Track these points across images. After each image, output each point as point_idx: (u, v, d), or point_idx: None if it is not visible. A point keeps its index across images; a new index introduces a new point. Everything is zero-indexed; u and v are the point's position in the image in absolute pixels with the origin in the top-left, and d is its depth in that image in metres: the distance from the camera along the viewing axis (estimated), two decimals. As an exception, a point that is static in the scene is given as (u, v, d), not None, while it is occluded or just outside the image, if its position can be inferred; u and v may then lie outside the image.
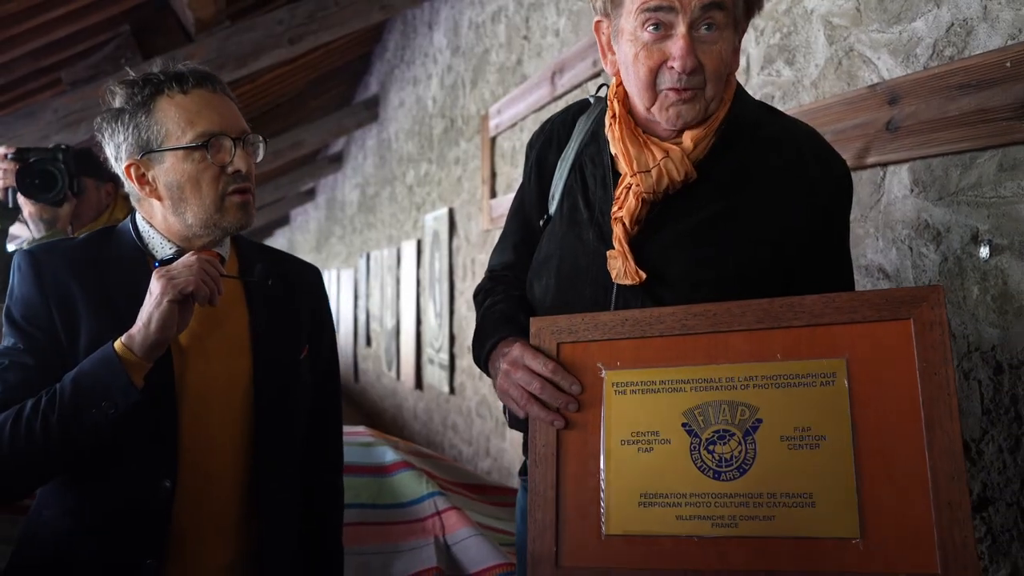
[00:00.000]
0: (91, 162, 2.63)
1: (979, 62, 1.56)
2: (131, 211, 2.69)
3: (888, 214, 1.84)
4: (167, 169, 1.41)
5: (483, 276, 1.60)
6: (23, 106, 5.19)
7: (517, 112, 4.29)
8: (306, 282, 1.66)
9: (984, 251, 1.60)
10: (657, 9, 1.23)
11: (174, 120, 1.39)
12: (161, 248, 1.46)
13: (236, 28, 5.15)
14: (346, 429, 2.36)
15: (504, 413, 1.54)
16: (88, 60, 5.09)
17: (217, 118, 1.41)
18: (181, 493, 1.38)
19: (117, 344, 1.28)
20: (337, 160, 12.48)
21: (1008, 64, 1.50)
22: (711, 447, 1.17)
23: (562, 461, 1.24)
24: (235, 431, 1.45)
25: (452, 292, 5.64)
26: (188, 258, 1.32)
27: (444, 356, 5.77)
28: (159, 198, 1.43)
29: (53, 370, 1.33)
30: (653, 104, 1.29)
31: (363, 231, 10.39)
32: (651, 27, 1.25)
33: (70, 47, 4.99)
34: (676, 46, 1.23)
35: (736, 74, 2.40)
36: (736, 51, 1.34)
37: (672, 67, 1.24)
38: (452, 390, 5.61)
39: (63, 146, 2.57)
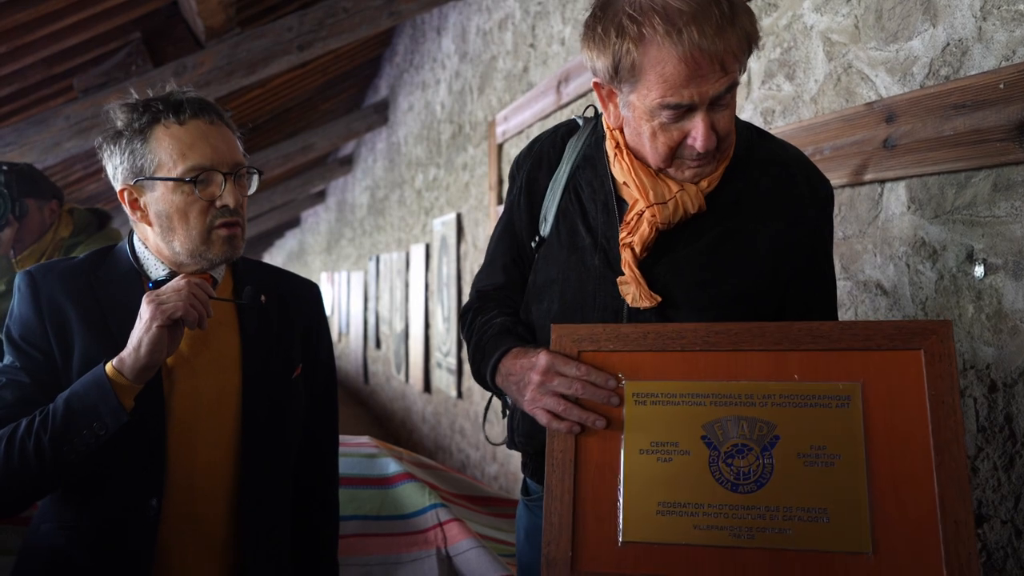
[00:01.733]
0: (32, 181, 2.59)
1: (974, 83, 1.58)
2: (75, 228, 2.69)
3: (886, 230, 1.86)
4: (157, 198, 1.43)
5: (470, 297, 1.59)
6: (35, 113, 5.24)
7: (523, 120, 4.31)
8: (302, 300, 1.66)
9: (979, 270, 1.61)
10: (678, 107, 1.23)
11: (167, 151, 1.41)
12: (155, 269, 1.48)
13: (246, 35, 5.19)
14: (350, 439, 2.38)
15: (507, 433, 1.56)
16: (100, 67, 5.14)
17: (210, 152, 1.42)
18: (168, 511, 1.41)
19: (108, 367, 1.31)
20: (347, 163, 12.52)
21: (1002, 86, 1.51)
22: (729, 460, 1.21)
23: (580, 467, 1.26)
24: (224, 450, 1.47)
25: (460, 297, 5.66)
26: (178, 282, 1.34)
27: (452, 360, 5.79)
28: (149, 224, 1.46)
29: (49, 388, 1.36)
30: (669, 167, 1.31)
31: (373, 234, 10.43)
32: (670, 110, 1.24)
33: (82, 54, 5.04)
34: (697, 130, 1.24)
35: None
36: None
37: (693, 147, 1.26)
38: (460, 394, 5.64)
39: (4, 166, 2.55)
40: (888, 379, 1.19)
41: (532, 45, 4.34)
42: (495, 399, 1.59)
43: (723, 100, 1.25)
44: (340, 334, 13.18)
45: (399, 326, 8.07)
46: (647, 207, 1.31)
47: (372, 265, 10.09)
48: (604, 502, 1.24)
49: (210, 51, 5.14)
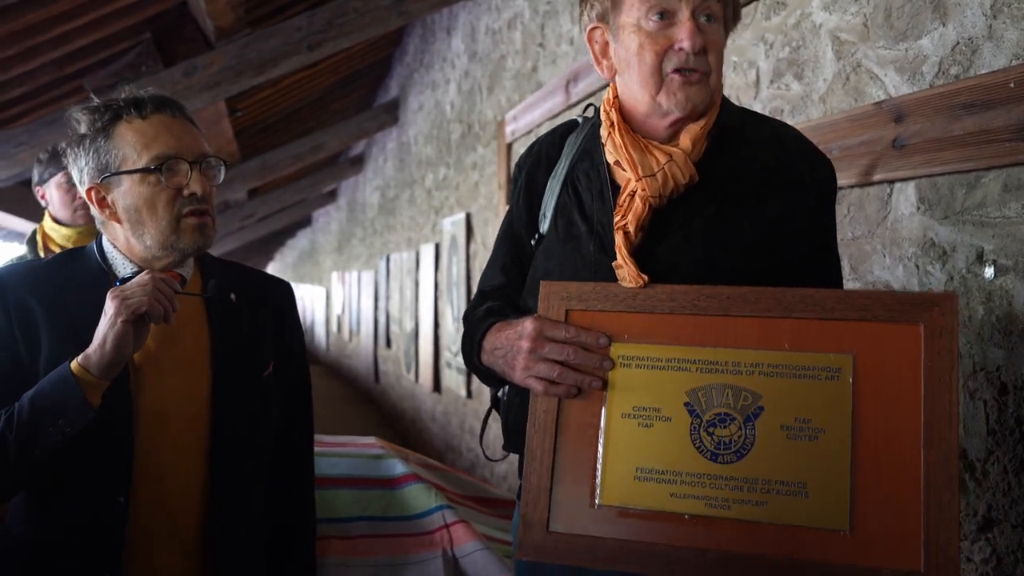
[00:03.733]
0: None
1: (983, 82, 1.56)
2: None
3: (895, 231, 1.84)
4: (124, 192, 1.43)
5: (473, 299, 1.59)
6: (46, 113, 5.27)
7: (533, 119, 4.31)
8: (273, 298, 1.66)
9: (989, 271, 1.59)
10: None
11: (131, 144, 1.42)
12: (123, 269, 1.48)
13: (255, 35, 5.20)
14: (357, 440, 2.39)
15: (503, 435, 1.55)
16: (110, 68, 5.17)
17: (173, 142, 1.43)
18: (136, 509, 1.40)
19: (74, 364, 1.31)
20: (358, 162, 12.55)
21: (1012, 85, 1.49)
22: (711, 429, 1.19)
23: (561, 428, 1.25)
24: (192, 448, 1.46)
25: (469, 297, 5.66)
26: (142, 277, 1.34)
27: (462, 360, 5.78)
28: (119, 221, 1.46)
29: (16, 390, 1.35)
30: (659, 92, 1.31)
31: (383, 233, 10.45)
32: (655, 16, 1.29)
33: (93, 55, 5.06)
34: (683, 29, 1.27)
35: (745, 87, 2.40)
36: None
37: (681, 48, 1.28)
38: (469, 394, 5.64)
39: None
40: (883, 352, 1.15)
41: (541, 45, 4.33)
42: (492, 416, 1.58)
43: (709, 7, 1.29)
44: (351, 333, 13.21)
45: (409, 325, 8.07)
46: (637, 181, 1.31)
47: (383, 264, 10.10)
48: (583, 465, 1.23)
49: (220, 51, 5.15)
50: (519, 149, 4.65)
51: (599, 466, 1.22)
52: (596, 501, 1.21)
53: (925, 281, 1.75)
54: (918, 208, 1.77)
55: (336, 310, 15.16)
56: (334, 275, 15.54)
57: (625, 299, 1.25)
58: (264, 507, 1.60)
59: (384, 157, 10.51)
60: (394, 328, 9.32)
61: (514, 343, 1.29)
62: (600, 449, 1.22)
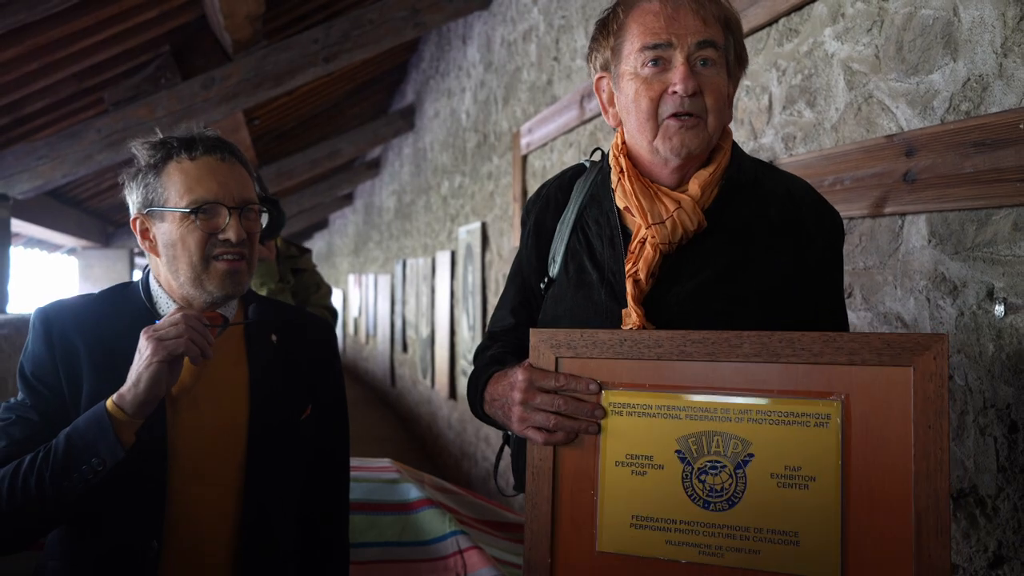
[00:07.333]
0: None
1: (993, 121, 1.56)
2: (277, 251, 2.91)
3: (906, 263, 1.84)
4: (164, 229, 1.46)
5: (484, 337, 1.61)
6: (67, 126, 5.33)
7: (547, 132, 4.32)
8: (314, 339, 1.67)
9: (999, 309, 1.59)
10: (655, 47, 1.31)
11: (176, 185, 1.45)
12: (166, 306, 1.50)
13: (272, 48, 5.25)
14: (371, 463, 2.41)
15: (514, 473, 1.57)
16: (129, 81, 5.22)
17: (216, 187, 1.45)
18: (169, 553, 1.41)
19: (109, 402, 1.33)
20: (374, 166, 12.60)
21: (1022, 126, 1.50)
22: (703, 477, 1.20)
23: (558, 475, 1.27)
24: (227, 492, 1.47)
25: (485, 306, 5.68)
26: (173, 316, 1.35)
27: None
28: (157, 255, 1.49)
29: (57, 426, 1.37)
30: (656, 137, 1.33)
31: (400, 238, 10.48)
32: (651, 63, 1.32)
33: (112, 68, 5.12)
34: (676, 73, 1.30)
35: (758, 112, 2.41)
36: (730, 101, 1.38)
37: (674, 91, 1.30)
38: (485, 403, 5.65)
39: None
40: (872, 397, 1.14)
41: (556, 58, 4.34)
42: (506, 448, 1.61)
43: (704, 54, 1.31)
44: (368, 336, 13.27)
45: (425, 331, 8.11)
46: (647, 228, 1.33)
47: (399, 268, 10.14)
48: (581, 511, 1.25)
49: (238, 64, 5.20)
50: (534, 161, 4.66)
51: (596, 513, 1.25)
52: (595, 548, 1.24)
53: (936, 315, 1.75)
54: (929, 241, 1.77)
55: (353, 312, 15.23)
56: (351, 277, 15.61)
57: (612, 345, 1.26)
58: (296, 545, 1.60)
59: (400, 162, 10.54)
60: (410, 333, 9.36)
61: (508, 394, 1.32)
62: (596, 497, 1.25)
